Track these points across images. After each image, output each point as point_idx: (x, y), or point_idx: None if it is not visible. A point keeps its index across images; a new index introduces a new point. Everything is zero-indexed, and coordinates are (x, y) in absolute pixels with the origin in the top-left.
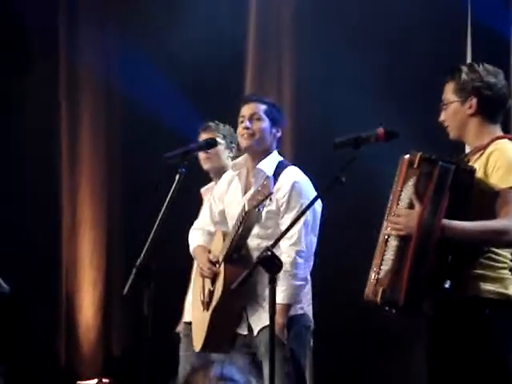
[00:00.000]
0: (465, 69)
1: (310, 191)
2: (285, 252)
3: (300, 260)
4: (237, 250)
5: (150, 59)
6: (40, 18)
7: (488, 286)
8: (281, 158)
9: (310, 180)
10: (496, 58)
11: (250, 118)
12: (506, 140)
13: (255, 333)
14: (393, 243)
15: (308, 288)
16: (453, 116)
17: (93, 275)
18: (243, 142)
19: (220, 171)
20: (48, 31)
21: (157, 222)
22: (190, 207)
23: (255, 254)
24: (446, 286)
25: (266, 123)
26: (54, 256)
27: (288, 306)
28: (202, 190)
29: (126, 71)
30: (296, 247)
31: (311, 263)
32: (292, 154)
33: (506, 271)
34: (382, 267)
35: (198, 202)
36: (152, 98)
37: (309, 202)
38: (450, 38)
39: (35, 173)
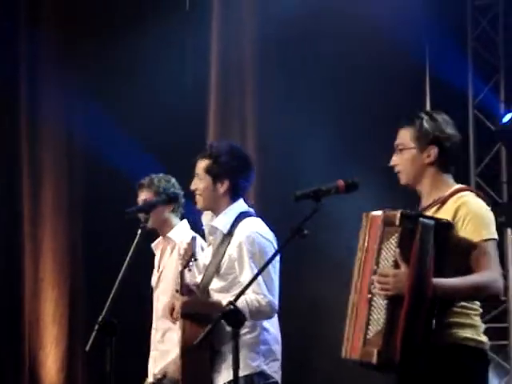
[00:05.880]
0: (425, 117)
1: (263, 243)
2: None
3: (264, 304)
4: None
5: (112, 114)
6: (0, 72)
7: (465, 334)
8: (243, 209)
9: (273, 231)
10: (454, 110)
11: (195, 178)
12: (468, 192)
13: None
14: (380, 303)
15: (271, 347)
16: (409, 162)
17: (56, 333)
18: (197, 205)
19: (162, 226)
20: (8, 85)
21: (118, 278)
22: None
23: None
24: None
25: (204, 182)
26: (17, 314)
27: (216, 307)
28: (153, 246)
29: (87, 126)
30: (260, 296)
31: (272, 314)
32: (255, 206)
33: (478, 318)
34: (369, 327)
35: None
36: (114, 153)
37: (259, 252)
38: (410, 91)
39: None
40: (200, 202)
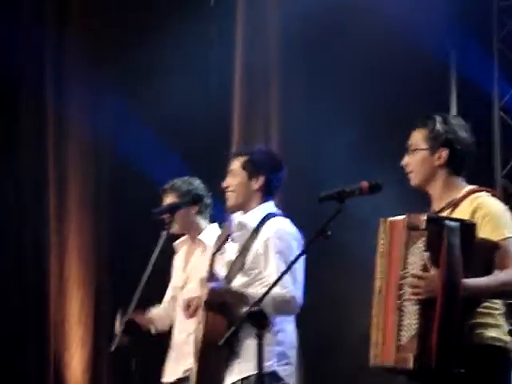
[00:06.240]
0: (438, 119)
1: (290, 240)
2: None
3: (289, 297)
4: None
5: (138, 112)
6: (27, 71)
7: (491, 334)
8: (272, 210)
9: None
10: (480, 112)
11: (229, 175)
12: (483, 193)
13: None
14: (412, 308)
15: (285, 350)
16: (420, 163)
17: (81, 333)
18: (227, 203)
19: (190, 229)
20: (35, 84)
21: (143, 279)
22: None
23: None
24: None
25: (239, 178)
26: (43, 314)
27: (241, 297)
28: (175, 244)
29: (113, 124)
30: (285, 290)
31: (296, 309)
32: (280, 206)
33: (502, 318)
34: (401, 333)
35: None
36: (140, 152)
37: (286, 249)
38: (434, 93)
39: (20, 229)
40: (232, 198)
